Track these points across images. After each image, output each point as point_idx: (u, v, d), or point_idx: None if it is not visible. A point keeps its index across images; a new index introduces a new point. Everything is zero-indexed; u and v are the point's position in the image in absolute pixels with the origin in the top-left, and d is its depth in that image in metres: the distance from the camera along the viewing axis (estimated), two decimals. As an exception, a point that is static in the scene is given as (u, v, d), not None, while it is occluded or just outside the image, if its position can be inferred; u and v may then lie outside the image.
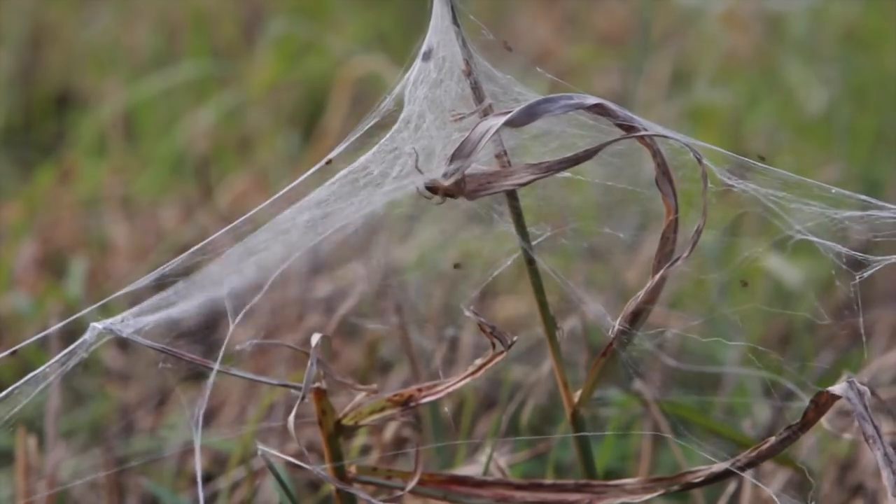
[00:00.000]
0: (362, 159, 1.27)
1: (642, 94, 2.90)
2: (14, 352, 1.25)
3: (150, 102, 2.93)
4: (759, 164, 1.29)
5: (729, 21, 3.14)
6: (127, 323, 1.26)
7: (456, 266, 1.37)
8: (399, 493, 1.38)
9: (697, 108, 2.86)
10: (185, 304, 1.27)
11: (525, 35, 3.41)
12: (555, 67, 3.05)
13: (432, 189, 1.23)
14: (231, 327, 1.26)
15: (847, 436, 1.65)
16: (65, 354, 1.27)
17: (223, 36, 3.36)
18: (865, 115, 2.87)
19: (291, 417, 1.31)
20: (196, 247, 1.27)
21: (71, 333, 1.32)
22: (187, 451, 1.82)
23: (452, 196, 1.23)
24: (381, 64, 2.66)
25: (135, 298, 1.31)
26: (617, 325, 1.30)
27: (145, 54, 3.25)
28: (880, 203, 1.27)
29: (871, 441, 1.22)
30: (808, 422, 1.28)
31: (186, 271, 1.29)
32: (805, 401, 1.53)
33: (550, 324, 1.34)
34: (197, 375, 1.58)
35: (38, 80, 3.21)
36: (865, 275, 1.26)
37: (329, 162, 1.24)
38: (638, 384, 1.67)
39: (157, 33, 3.30)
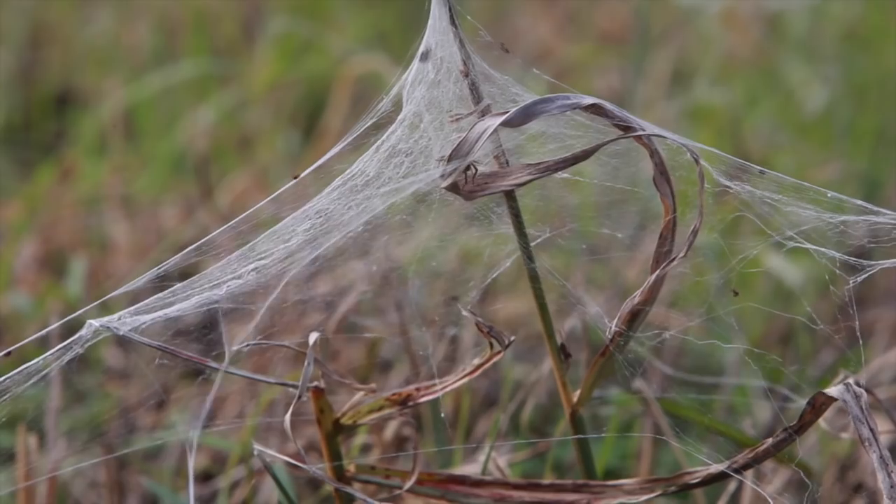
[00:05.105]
0: (359, 163, 1.27)
1: (642, 94, 2.89)
2: (8, 353, 1.25)
3: (151, 101, 2.93)
4: (757, 167, 1.29)
5: (728, 20, 3.13)
6: (123, 321, 1.26)
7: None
8: (397, 492, 1.38)
9: (697, 107, 2.86)
10: (183, 304, 1.27)
11: (526, 34, 3.41)
12: (555, 66, 3.06)
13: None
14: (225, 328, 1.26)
15: (846, 435, 1.65)
16: (60, 349, 1.27)
17: (223, 35, 3.36)
18: (865, 115, 2.86)
19: (288, 417, 1.31)
20: (193, 246, 1.27)
21: (70, 332, 1.32)
22: (187, 450, 1.82)
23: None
24: (381, 63, 2.66)
25: (133, 297, 1.31)
26: (614, 326, 1.29)
27: (145, 53, 3.25)
28: (876, 208, 1.27)
29: (867, 444, 1.22)
30: (804, 424, 1.28)
31: (185, 271, 1.29)
32: (803, 401, 1.54)
33: (550, 325, 1.34)
34: (195, 373, 1.58)
35: (38, 79, 3.21)
36: (859, 279, 1.26)
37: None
38: (638, 383, 1.67)
39: (157, 32, 3.29)
